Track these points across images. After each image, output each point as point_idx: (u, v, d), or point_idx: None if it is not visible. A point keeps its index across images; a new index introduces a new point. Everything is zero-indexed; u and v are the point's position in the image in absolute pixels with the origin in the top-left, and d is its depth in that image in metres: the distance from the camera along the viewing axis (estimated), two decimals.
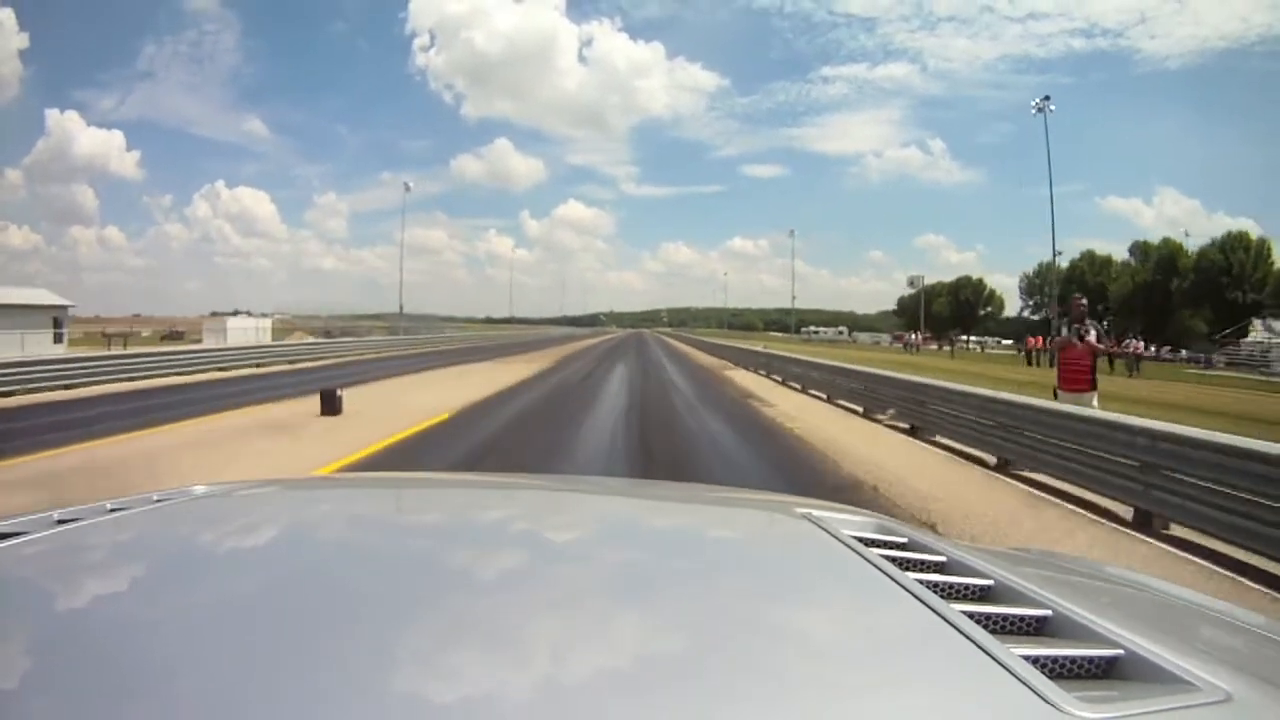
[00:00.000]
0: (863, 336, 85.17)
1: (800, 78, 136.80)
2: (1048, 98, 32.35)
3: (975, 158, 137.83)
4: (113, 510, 0.86)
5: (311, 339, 30.15)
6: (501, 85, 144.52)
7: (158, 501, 0.93)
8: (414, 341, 34.81)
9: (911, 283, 74.80)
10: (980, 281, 79.42)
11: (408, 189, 50.98)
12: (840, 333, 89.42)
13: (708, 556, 0.82)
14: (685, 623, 0.59)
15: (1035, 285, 65.68)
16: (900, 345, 61.54)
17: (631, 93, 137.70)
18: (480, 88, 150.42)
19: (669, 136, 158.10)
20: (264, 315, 33.70)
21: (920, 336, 56.49)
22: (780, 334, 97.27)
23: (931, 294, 74.97)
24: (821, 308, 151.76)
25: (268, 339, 29.89)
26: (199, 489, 1.03)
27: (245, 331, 30.18)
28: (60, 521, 0.81)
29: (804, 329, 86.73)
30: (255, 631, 0.54)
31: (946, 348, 57.51)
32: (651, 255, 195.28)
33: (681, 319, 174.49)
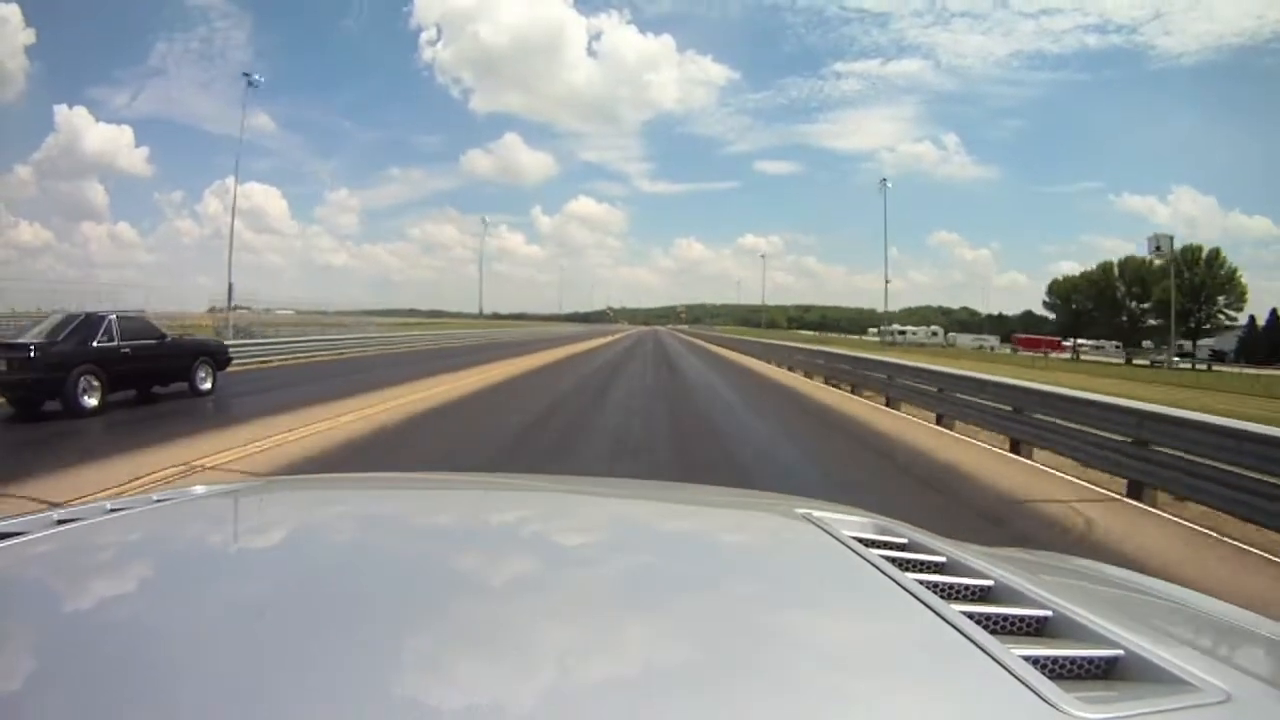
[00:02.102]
0: (963, 339, 67.90)
1: (813, 73, 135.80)
2: None
3: (988, 155, 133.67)
4: (112, 510, 0.85)
5: None
6: (510, 79, 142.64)
7: (157, 502, 0.92)
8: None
9: (1157, 246, 46.95)
10: (1218, 255, 51.86)
11: (250, 82, 27.32)
12: (934, 333, 69.45)
13: (709, 559, 0.82)
14: (688, 626, 0.59)
15: None
16: (1031, 353, 47.32)
17: (642, 86, 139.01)
18: (488, 81, 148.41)
19: (681, 132, 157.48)
20: None
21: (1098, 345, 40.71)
22: (810, 332, 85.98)
23: (1090, 284, 54.71)
24: (841, 304, 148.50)
25: None
26: (199, 489, 1.02)
27: None
28: (60, 522, 0.80)
29: (880, 328, 66.35)
30: (255, 634, 0.53)
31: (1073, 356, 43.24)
32: (664, 252, 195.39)
33: (696, 315, 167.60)
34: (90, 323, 9.00)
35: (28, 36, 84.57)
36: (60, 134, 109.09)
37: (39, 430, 7.60)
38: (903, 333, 65.15)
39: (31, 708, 0.44)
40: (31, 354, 8.16)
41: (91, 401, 8.53)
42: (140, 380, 9.64)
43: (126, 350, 9.17)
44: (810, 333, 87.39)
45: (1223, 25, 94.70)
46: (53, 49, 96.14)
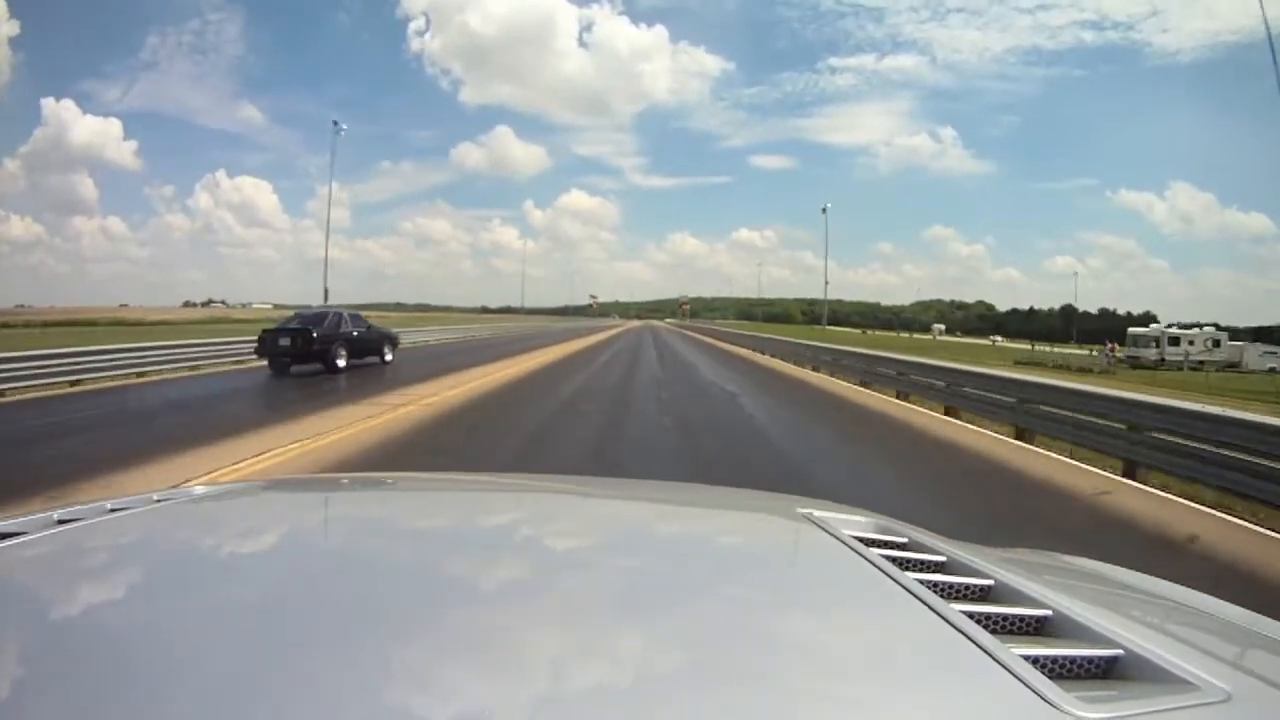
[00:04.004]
0: (1250, 352, 37.25)
1: (808, 68, 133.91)
2: None
3: (984, 150, 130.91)
4: (113, 510, 0.85)
5: None
6: (500, 69, 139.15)
7: (158, 502, 0.91)
8: None
9: None
10: None
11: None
12: (1214, 344, 36.92)
13: (709, 560, 0.80)
14: (688, 628, 0.57)
15: None
16: None
17: (635, 77, 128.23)
18: (477, 72, 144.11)
19: (675, 126, 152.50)
20: None
21: None
22: (848, 329, 66.16)
23: None
24: (841, 298, 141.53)
25: None
26: (199, 489, 1.02)
27: None
28: (60, 521, 0.80)
29: (1140, 330, 39.29)
30: (252, 636, 0.53)
31: None
32: (657, 246, 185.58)
33: (694, 309, 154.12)
34: (340, 315, 14.71)
35: (12, 28, 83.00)
36: (48, 127, 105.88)
37: (337, 379, 12.86)
38: (1174, 341, 36.98)
39: (32, 708, 0.44)
40: (314, 334, 13.64)
41: (342, 364, 13.91)
42: (359, 354, 15.00)
43: (356, 334, 14.86)
44: (851, 331, 71.01)
45: (1220, 22, 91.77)
46: (39, 41, 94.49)
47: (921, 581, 0.65)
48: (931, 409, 10.27)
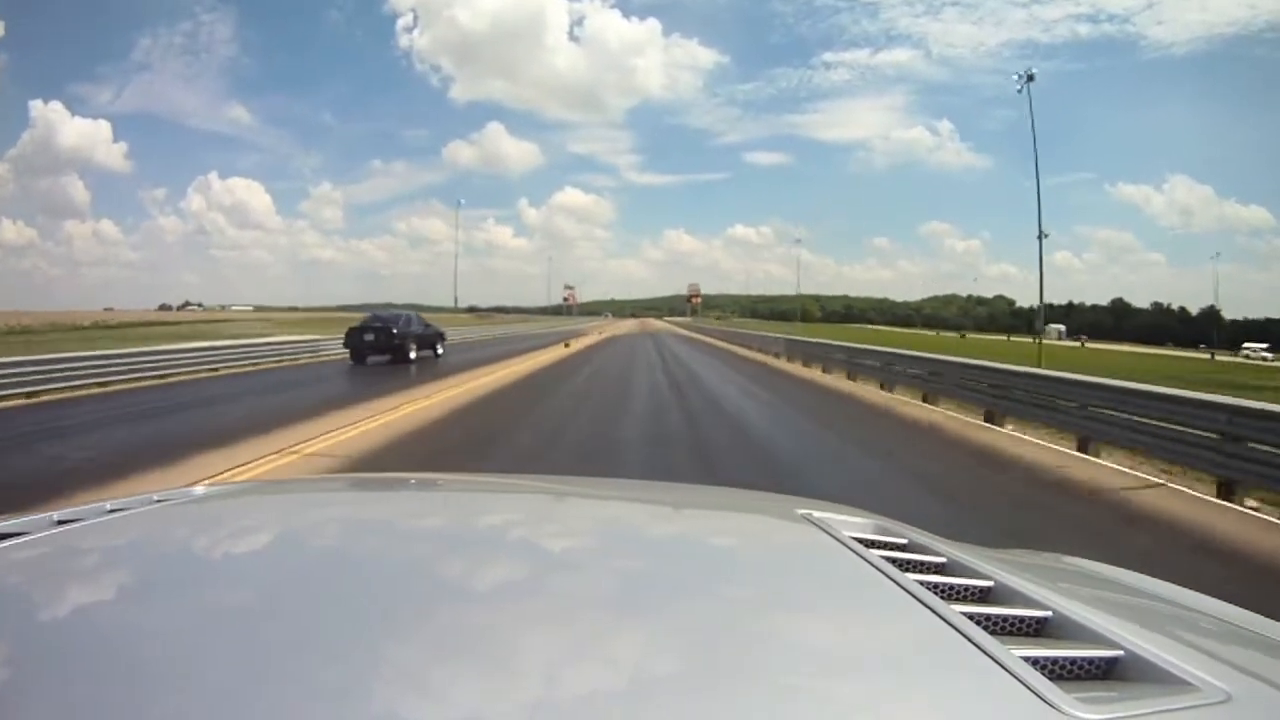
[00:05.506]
0: None
1: (802, 64, 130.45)
2: None
3: (979, 144, 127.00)
4: (112, 511, 0.85)
5: None
6: (490, 65, 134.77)
7: (158, 502, 0.92)
8: None
9: None
10: None
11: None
12: None
13: (708, 561, 0.80)
14: (686, 631, 0.57)
15: None
16: None
17: (628, 71, 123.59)
18: (468, 69, 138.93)
19: (670, 123, 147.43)
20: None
21: None
22: (893, 329, 50.35)
23: None
24: (849, 294, 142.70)
25: None
26: (199, 490, 1.03)
27: None
28: (60, 522, 0.80)
29: None
30: (248, 638, 0.53)
31: None
32: (653, 243, 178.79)
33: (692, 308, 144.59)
34: (410, 316, 18.44)
35: None
36: (36, 129, 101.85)
37: (409, 367, 16.03)
38: None
39: (32, 709, 0.44)
40: (394, 331, 16.88)
41: (413, 356, 17.18)
42: (422, 348, 18.27)
43: (421, 331, 18.44)
44: (900, 330, 57.89)
45: (1215, 15, 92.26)
46: (25, 42, 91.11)
47: (921, 583, 0.65)
48: None
